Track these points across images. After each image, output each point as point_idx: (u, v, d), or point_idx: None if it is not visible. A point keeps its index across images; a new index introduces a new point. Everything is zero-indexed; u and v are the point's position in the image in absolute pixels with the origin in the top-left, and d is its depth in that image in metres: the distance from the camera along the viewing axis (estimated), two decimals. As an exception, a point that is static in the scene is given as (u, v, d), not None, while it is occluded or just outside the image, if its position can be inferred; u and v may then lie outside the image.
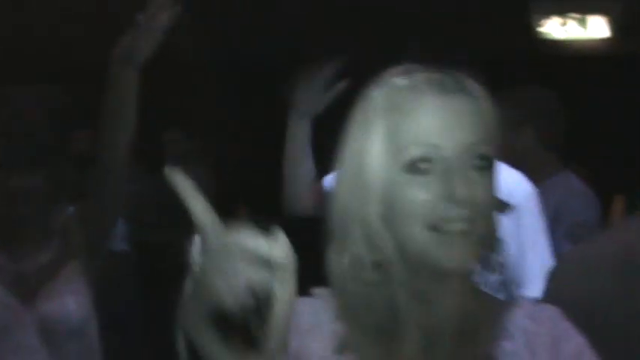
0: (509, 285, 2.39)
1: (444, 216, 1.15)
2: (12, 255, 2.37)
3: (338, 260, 1.22)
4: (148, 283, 4.43)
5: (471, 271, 1.21)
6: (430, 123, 1.18)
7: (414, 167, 1.17)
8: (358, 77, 1.33)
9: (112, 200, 2.44)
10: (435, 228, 1.16)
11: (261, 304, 0.83)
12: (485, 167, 1.18)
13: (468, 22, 5.48)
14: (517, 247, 2.39)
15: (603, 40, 6.22)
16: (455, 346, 1.19)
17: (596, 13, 6.13)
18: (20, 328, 2.30)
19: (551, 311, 1.25)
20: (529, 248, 2.43)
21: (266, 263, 0.84)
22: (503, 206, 1.53)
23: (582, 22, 6.17)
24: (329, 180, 2.04)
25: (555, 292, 1.67)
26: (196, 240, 0.87)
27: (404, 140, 1.18)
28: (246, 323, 0.83)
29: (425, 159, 1.17)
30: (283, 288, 0.85)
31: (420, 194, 1.16)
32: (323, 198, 2.32)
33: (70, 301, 2.35)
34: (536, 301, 1.69)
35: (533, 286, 2.39)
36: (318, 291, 1.26)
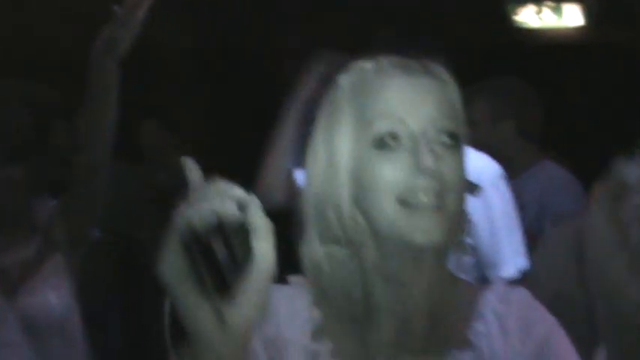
0: (482, 267, 2.41)
1: (412, 186, 1.17)
2: (-7, 250, 2.37)
3: (313, 247, 1.24)
4: (126, 276, 4.43)
5: (443, 252, 1.23)
6: (395, 98, 1.21)
7: (381, 143, 1.20)
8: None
9: (94, 194, 2.43)
10: (404, 202, 1.18)
11: (227, 230, 0.89)
12: (452, 145, 1.21)
13: (443, 10, 5.50)
14: (488, 228, 2.41)
15: (577, 29, 6.25)
16: (428, 329, 1.21)
17: (570, 1, 6.15)
18: (1, 323, 2.30)
19: (522, 293, 1.28)
20: (500, 230, 2.44)
21: (236, 201, 0.91)
22: (472, 188, 1.55)
23: (557, 10, 6.20)
24: (300, 173, 2.04)
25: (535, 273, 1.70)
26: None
27: (370, 116, 1.21)
28: (213, 247, 0.88)
29: (392, 134, 1.20)
30: (263, 245, 0.90)
31: (388, 169, 1.19)
32: (295, 190, 2.32)
33: (52, 296, 2.35)
34: (508, 282, 1.71)
35: (506, 267, 2.42)
36: (294, 279, 1.28)
